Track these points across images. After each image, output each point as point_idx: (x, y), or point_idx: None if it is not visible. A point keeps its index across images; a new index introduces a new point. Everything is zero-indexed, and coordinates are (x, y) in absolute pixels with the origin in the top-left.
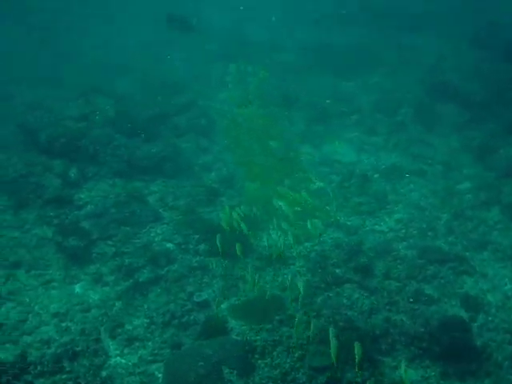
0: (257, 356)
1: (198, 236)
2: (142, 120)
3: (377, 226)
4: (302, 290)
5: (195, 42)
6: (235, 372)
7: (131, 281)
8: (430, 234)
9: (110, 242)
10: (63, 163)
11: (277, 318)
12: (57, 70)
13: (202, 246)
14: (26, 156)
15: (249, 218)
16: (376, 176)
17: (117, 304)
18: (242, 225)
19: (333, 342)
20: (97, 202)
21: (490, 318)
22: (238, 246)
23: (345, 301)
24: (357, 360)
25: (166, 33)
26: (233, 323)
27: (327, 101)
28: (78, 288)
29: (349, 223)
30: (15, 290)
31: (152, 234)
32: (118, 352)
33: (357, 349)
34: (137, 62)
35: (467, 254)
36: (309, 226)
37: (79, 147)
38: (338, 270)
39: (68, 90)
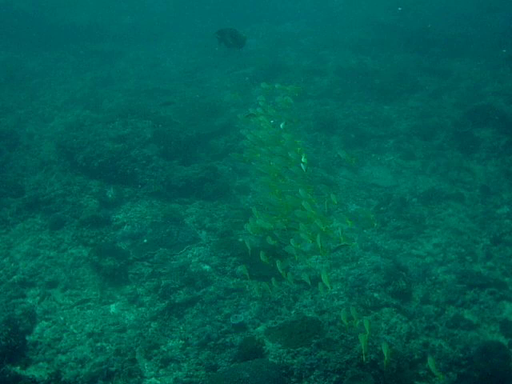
0: (293, 380)
1: (235, 258)
2: (180, 142)
3: (414, 250)
4: (343, 317)
5: (232, 65)
6: None
7: (167, 302)
8: (468, 258)
9: (146, 263)
10: (100, 184)
11: (314, 341)
12: (95, 93)
13: (239, 269)
14: (64, 176)
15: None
16: (414, 200)
17: (152, 325)
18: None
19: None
20: (134, 222)
21: None
22: (278, 264)
23: (383, 325)
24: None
25: (207, 56)
26: (269, 346)
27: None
28: (113, 308)
29: (386, 247)
30: (50, 309)
31: (189, 256)
32: (153, 373)
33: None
34: (177, 85)
35: (506, 279)
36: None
37: (117, 168)
38: (376, 294)
39: (107, 112)
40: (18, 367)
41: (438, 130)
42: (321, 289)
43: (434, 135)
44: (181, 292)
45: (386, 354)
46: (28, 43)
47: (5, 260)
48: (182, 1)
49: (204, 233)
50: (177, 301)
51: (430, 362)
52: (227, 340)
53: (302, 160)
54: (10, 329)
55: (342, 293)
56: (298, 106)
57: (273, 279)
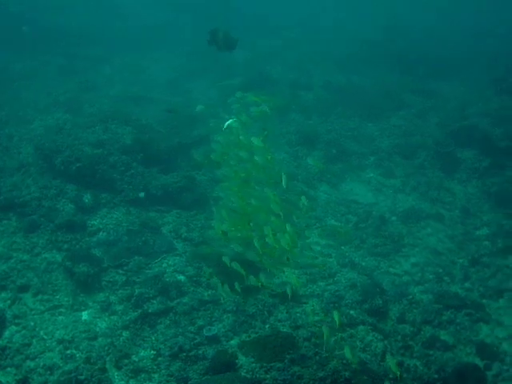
0: None
1: (210, 269)
2: (161, 150)
3: (391, 269)
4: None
5: (217, 75)
6: None
7: (140, 311)
8: (446, 279)
9: (120, 271)
10: (77, 188)
11: (288, 356)
12: (79, 97)
13: (214, 280)
14: (41, 178)
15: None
16: (393, 218)
17: (124, 334)
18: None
19: None
20: (109, 229)
21: (505, 367)
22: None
23: (358, 343)
24: None
25: (194, 66)
26: (243, 360)
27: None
28: (85, 315)
29: (363, 264)
30: (21, 314)
31: (164, 265)
32: (123, 383)
33: None
34: (163, 94)
35: (484, 301)
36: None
37: (95, 173)
38: (352, 312)
39: (88, 117)
40: None
41: (419, 149)
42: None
43: (415, 154)
44: (154, 302)
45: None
46: (15, 45)
47: None
48: (172, 9)
49: (180, 242)
50: (150, 310)
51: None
52: (200, 352)
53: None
54: None
55: (317, 308)
56: (281, 119)
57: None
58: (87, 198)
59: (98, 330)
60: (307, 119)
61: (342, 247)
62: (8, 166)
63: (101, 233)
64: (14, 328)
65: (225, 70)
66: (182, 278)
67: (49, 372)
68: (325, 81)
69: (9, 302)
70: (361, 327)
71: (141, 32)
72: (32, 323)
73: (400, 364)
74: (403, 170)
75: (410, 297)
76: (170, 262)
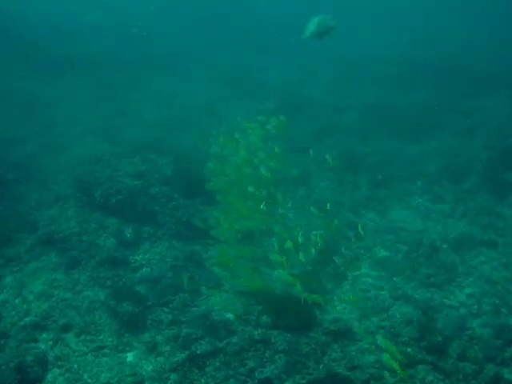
0: None
1: (260, 307)
2: (202, 180)
3: (446, 301)
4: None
5: (251, 99)
6: None
7: (188, 352)
8: (503, 310)
9: (166, 309)
10: (118, 222)
11: None
12: (110, 125)
13: (263, 318)
14: (81, 212)
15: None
16: (444, 246)
17: (172, 377)
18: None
19: None
20: (153, 264)
21: None
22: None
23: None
24: None
25: (225, 90)
26: None
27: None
28: (130, 357)
29: (417, 296)
30: (64, 356)
31: (211, 302)
32: None
33: None
34: (197, 118)
35: None
36: None
37: (135, 206)
38: (409, 349)
39: (124, 146)
40: None
41: (467, 172)
42: None
43: (463, 177)
44: (202, 342)
45: None
46: (43, 71)
47: (17, 301)
48: (200, 32)
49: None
50: (198, 351)
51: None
52: None
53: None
54: (20, 377)
55: (373, 347)
56: (322, 143)
57: None
58: (128, 231)
59: (144, 372)
60: (348, 143)
61: (394, 278)
62: (44, 198)
63: (144, 268)
64: (56, 371)
65: (260, 93)
66: (230, 316)
67: None
68: (362, 102)
69: (51, 343)
70: (420, 366)
71: (169, 55)
72: (75, 365)
73: None
74: (451, 194)
75: (469, 331)
76: (217, 299)
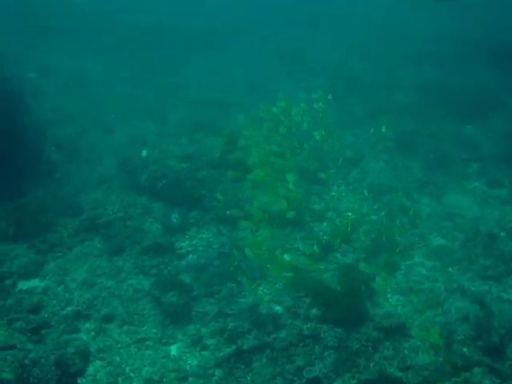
0: None
1: (309, 299)
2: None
3: (504, 294)
4: None
5: (300, 77)
6: None
7: (234, 347)
8: None
9: (212, 300)
10: (164, 206)
11: None
12: (160, 103)
13: (313, 311)
14: (125, 196)
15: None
16: (502, 234)
17: (217, 373)
18: None
19: None
20: (199, 251)
21: None
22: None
23: None
24: None
25: (275, 66)
26: None
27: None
28: (174, 350)
29: (473, 289)
30: (106, 348)
31: (259, 293)
32: None
33: None
34: (242, 98)
35: None
36: None
37: (182, 190)
38: (465, 349)
39: (171, 127)
40: None
41: None
42: None
43: None
44: (249, 336)
45: None
46: (91, 47)
47: (59, 288)
48: (253, 7)
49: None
50: (245, 346)
51: None
52: None
53: None
54: (60, 372)
55: (426, 344)
56: (376, 123)
57: None
58: (175, 217)
59: (188, 368)
60: (402, 123)
61: (450, 269)
62: (90, 180)
63: (190, 256)
64: (98, 363)
65: (308, 71)
66: (278, 308)
67: None
68: (417, 81)
69: (93, 333)
70: (476, 369)
71: (219, 31)
72: (118, 358)
73: None
74: (510, 178)
75: None
76: (265, 290)
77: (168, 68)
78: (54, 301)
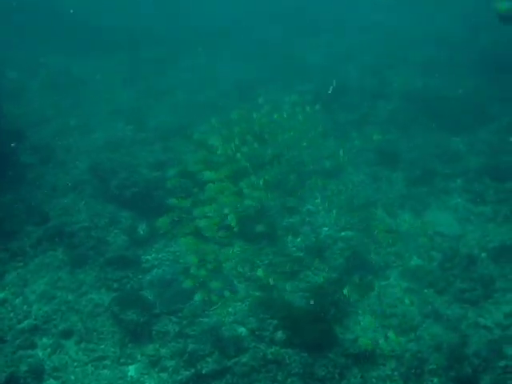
0: None
1: (275, 322)
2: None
3: (481, 319)
4: None
5: (289, 81)
6: None
7: (193, 370)
8: None
9: (174, 319)
10: (132, 216)
11: None
12: (142, 105)
13: (278, 334)
14: (94, 203)
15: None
16: (483, 255)
17: None
18: None
19: None
20: (165, 266)
21: None
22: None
23: None
24: None
25: (264, 70)
26: None
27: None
28: (132, 370)
29: (449, 312)
30: (61, 366)
31: (223, 313)
32: None
33: None
34: (230, 101)
35: None
36: None
37: (152, 199)
38: (436, 380)
39: (149, 131)
40: None
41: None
42: None
43: (508, 176)
44: (209, 360)
45: None
46: (76, 47)
47: (17, 301)
48: (243, 8)
49: (243, 283)
50: (204, 371)
51: None
52: None
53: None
54: None
55: (396, 374)
56: (357, 133)
57: None
58: (142, 228)
59: None
60: (386, 133)
61: (425, 291)
62: (62, 183)
63: (155, 270)
64: (52, 383)
65: (296, 75)
66: (242, 330)
67: None
68: (404, 88)
69: (49, 350)
70: None
71: (206, 33)
72: (73, 377)
73: None
74: (494, 194)
75: (505, 362)
76: (229, 310)
77: (155, 69)
78: (11, 314)
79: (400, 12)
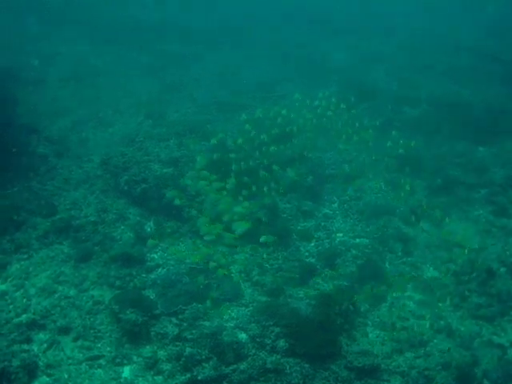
0: None
1: (278, 329)
2: (241, 172)
3: (495, 338)
4: None
5: (313, 82)
6: None
7: (188, 376)
8: None
9: (174, 320)
10: (140, 213)
11: None
12: (162, 99)
13: (280, 343)
14: (104, 198)
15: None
16: (502, 270)
17: None
18: None
19: None
20: (170, 265)
21: None
22: None
23: None
24: None
25: (287, 69)
26: None
27: None
28: (126, 372)
29: (462, 329)
30: (56, 363)
31: (225, 317)
32: None
33: None
34: (251, 100)
35: None
36: None
37: (161, 197)
38: None
39: (166, 126)
40: None
41: None
42: None
43: None
44: (206, 365)
45: None
46: (97, 37)
47: (17, 293)
48: (268, 9)
49: (249, 288)
50: (199, 377)
51: None
52: None
53: None
54: None
55: None
56: (379, 139)
57: None
58: (150, 226)
59: None
60: (410, 139)
61: (440, 304)
62: (74, 177)
63: (160, 269)
64: (44, 380)
65: (321, 76)
66: (243, 336)
67: None
68: (430, 95)
69: (45, 345)
70: None
71: (231, 31)
72: (66, 375)
73: None
74: None
75: None
76: (232, 314)
77: (178, 65)
78: (10, 306)
79: (427, 16)
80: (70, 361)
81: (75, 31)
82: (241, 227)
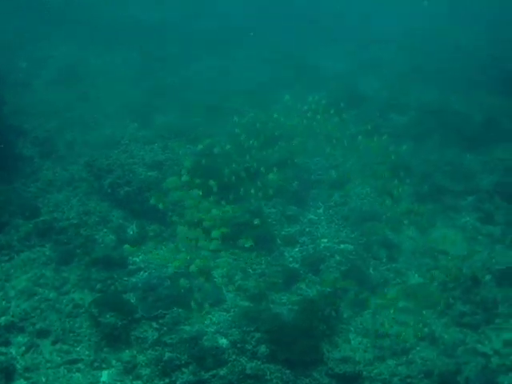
0: None
1: (259, 335)
2: (226, 176)
3: (479, 346)
4: None
5: (303, 87)
6: None
7: (167, 381)
8: None
9: (154, 324)
10: (123, 216)
11: None
12: (151, 103)
13: (261, 348)
14: (88, 201)
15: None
16: (487, 278)
17: None
18: None
19: None
20: (152, 269)
21: None
22: None
23: None
24: None
25: (279, 74)
26: None
27: None
28: (105, 376)
29: (446, 337)
30: (34, 366)
31: (206, 322)
32: None
33: None
34: (242, 105)
35: None
36: None
37: (144, 200)
38: None
39: (153, 129)
40: None
41: None
42: None
43: None
44: (186, 371)
45: None
46: (97, 37)
47: None
48: (261, 13)
49: (232, 292)
50: (178, 382)
51: None
52: None
53: None
54: None
55: None
56: (367, 145)
57: None
58: (132, 229)
59: None
60: (398, 146)
61: (424, 312)
62: (59, 178)
63: (141, 273)
64: (22, 383)
65: (312, 82)
66: (224, 341)
67: None
68: (420, 102)
69: (23, 348)
70: None
71: (224, 33)
72: (43, 379)
73: None
74: (505, 215)
75: None
76: (213, 319)
77: (170, 68)
78: None
79: (427, 22)
80: (49, 364)
81: (75, 31)
82: (217, 232)
